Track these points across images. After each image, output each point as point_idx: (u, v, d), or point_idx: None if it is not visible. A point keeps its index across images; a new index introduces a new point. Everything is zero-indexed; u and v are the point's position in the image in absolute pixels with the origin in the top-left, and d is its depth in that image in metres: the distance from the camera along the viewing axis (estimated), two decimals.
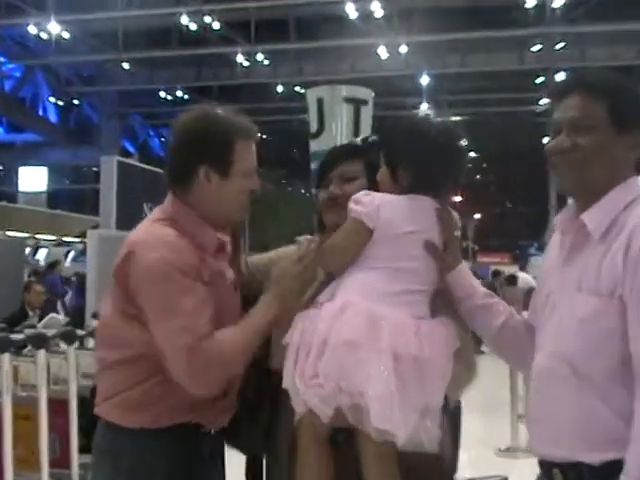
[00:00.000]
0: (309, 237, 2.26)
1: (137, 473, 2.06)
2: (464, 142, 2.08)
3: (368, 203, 1.95)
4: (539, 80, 29.53)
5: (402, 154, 2.00)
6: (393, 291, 1.89)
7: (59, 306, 12.65)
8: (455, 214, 2.05)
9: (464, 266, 2.01)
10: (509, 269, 15.26)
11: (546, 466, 1.77)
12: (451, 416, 2.04)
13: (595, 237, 1.71)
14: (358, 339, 1.78)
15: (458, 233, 2.05)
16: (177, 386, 1.96)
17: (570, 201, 1.86)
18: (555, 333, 1.75)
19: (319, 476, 1.89)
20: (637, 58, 25.16)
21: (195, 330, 1.94)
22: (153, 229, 2.09)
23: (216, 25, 25.65)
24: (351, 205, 1.97)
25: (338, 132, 11.07)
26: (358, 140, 2.30)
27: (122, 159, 8.45)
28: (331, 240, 2.02)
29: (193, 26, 25.39)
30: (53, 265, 16.07)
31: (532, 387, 1.83)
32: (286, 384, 1.88)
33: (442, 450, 1.90)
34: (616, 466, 1.59)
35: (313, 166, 11.63)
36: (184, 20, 24.80)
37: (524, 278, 14.43)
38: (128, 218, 7.05)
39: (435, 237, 1.97)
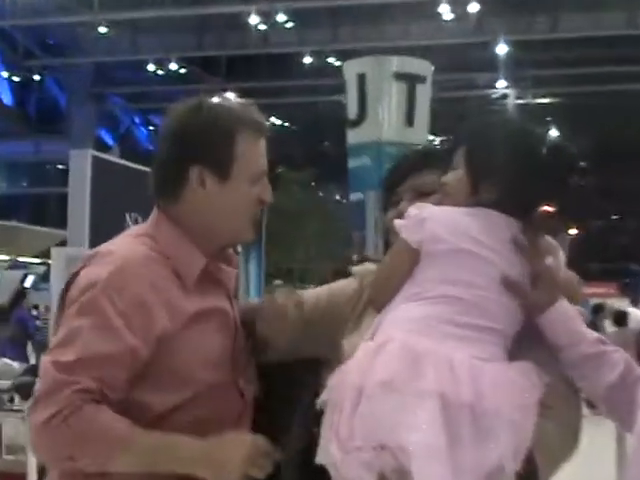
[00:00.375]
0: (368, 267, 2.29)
1: None
2: (575, 159, 2.16)
3: (413, 216, 2.01)
4: None
5: (495, 166, 2.05)
6: (443, 324, 1.92)
7: (30, 349, 12.80)
8: (550, 240, 2.10)
9: (565, 305, 2.03)
10: (617, 303, 15.20)
11: None
12: None
13: None
14: (395, 379, 1.80)
15: (553, 261, 2.07)
16: None
17: None
18: None
19: None
20: None
21: (76, 376, 1.94)
22: (121, 242, 2.19)
23: None
24: (396, 220, 2.03)
25: (386, 119, 11.11)
26: (436, 143, 2.33)
27: (98, 154, 8.51)
28: (376, 271, 2.09)
29: None
30: (18, 298, 16.25)
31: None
32: (320, 457, 1.88)
33: None
34: None
35: (351, 164, 11.69)
36: None
37: (636, 315, 14.36)
38: (105, 233, 7.07)
39: (512, 266, 2.00)
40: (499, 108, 31.42)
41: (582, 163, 34.83)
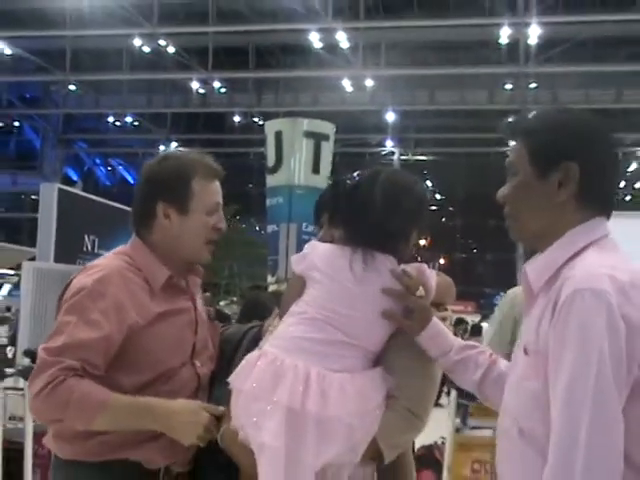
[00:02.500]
0: None
1: None
2: (424, 193, 2.17)
3: (303, 251, 2.11)
4: (510, 120, 30.20)
5: (372, 213, 2.05)
6: (306, 341, 1.95)
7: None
8: (414, 271, 2.06)
9: (436, 324, 2.04)
10: (472, 318, 15.48)
11: None
12: (391, 472, 2.06)
13: (535, 292, 1.74)
14: (259, 389, 1.88)
15: (422, 292, 2.06)
16: None
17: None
18: (507, 391, 1.81)
19: None
20: (614, 101, 25.86)
21: (61, 357, 2.04)
22: (103, 259, 2.28)
23: (171, 49, 25.74)
24: (293, 256, 2.13)
25: (296, 168, 11.16)
26: (346, 181, 2.38)
27: (64, 187, 8.38)
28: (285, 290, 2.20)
29: (146, 49, 25.44)
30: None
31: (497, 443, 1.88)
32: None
33: None
34: None
35: (269, 202, 11.70)
36: (137, 42, 24.84)
37: (487, 331, 14.58)
38: (67, 250, 7.00)
39: (385, 298, 2.01)
40: (387, 163, 31.76)
41: (450, 208, 35.12)
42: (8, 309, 14.96)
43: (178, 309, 2.28)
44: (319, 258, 2.06)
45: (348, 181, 2.27)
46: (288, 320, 2.04)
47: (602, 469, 1.51)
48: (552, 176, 1.72)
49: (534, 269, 1.75)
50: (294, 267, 2.11)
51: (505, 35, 23.09)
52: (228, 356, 2.37)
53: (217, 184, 2.35)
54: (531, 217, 1.76)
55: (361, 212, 2.06)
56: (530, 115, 1.90)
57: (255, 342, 2.30)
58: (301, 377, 1.87)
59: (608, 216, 1.77)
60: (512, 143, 1.83)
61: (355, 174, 2.30)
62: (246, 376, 1.94)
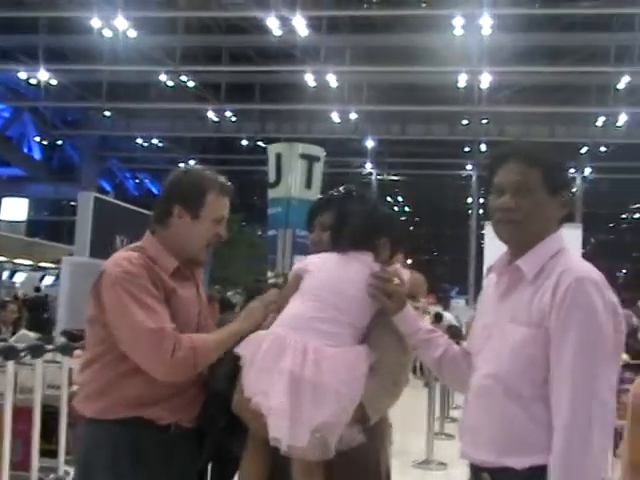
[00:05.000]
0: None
1: (87, 458, 2.14)
2: (388, 212, 2.25)
3: (302, 259, 2.19)
4: (466, 149, 30.38)
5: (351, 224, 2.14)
6: (306, 319, 1.97)
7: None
8: (392, 269, 2.10)
9: (409, 309, 2.06)
10: (434, 308, 15.53)
11: (476, 470, 1.83)
12: (374, 431, 2.06)
13: (528, 278, 1.83)
14: (267, 361, 1.89)
15: (398, 282, 2.07)
16: (129, 381, 2.08)
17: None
18: (490, 357, 1.83)
19: (255, 475, 2.02)
20: (549, 136, 26.16)
21: (156, 318, 2.05)
22: (123, 252, 2.24)
23: (191, 84, 25.75)
24: (295, 265, 2.19)
25: (292, 183, 11.14)
26: (334, 192, 2.39)
27: (99, 195, 8.30)
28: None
29: (170, 83, 25.44)
30: (37, 290, 15.59)
31: (467, 401, 1.91)
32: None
33: (367, 460, 2.04)
34: (539, 470, 1.67)
35: (270, 211, 11.65)
36: (162, 77, 24.81)
37: (447, 316, 14.84)
38: (101, 248, 6.92)
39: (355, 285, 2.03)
40: (366, 181, 31.84)
41: (417, 219, 35.26)
42: (46, 296, 14.84)
43: (184, 294, 2.25)
44: (313, 259, 2.12)
45: (335, 194, 2.35)
46: (290, 305, 2.05)
47: (611, 428, 1.69)
48: (558, 198, 1.89)
49: (527, 262, 1.85)
50: (295, 266, 2.15)
51: (462, 80, 23.33)
52: None
53: (227, 200, 2.32)
54: (536, 225, 1.87)
55: (343, 221, 2.14)
56: (525, 145, 2.04)
57: None
58: (300, 350, 1.88)
59: None
60: (514, 165, 1.89)
61: (341, 188, 2.35)
62: (255, 351, 1.92)
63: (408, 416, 7.66)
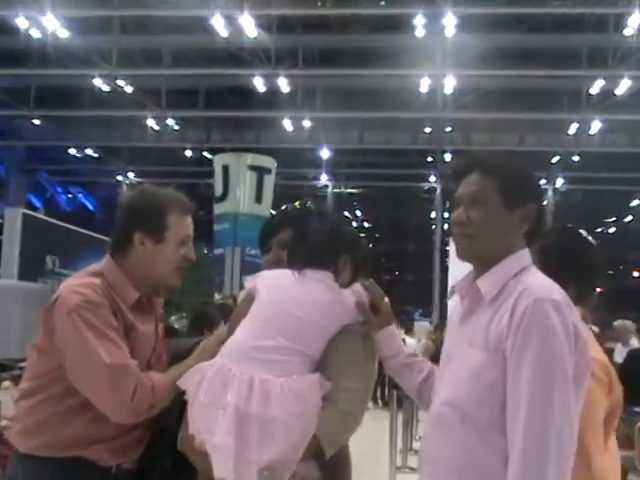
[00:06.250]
0: None
1: None
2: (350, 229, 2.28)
3: (256, 275, 2.18)
4: (429, 159, 30.74)
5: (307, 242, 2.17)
6: (250, 350, 1.96)
7: None
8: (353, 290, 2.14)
9: (393, 328, 2.13)
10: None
11: None
12: (332, 466, 2.06)
13: (486, 300, 1.85)
14: (210, 395, 1.89)
15: (387, 300, 2.15)
16: (72, 418, 2.07)
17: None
18: (448, 383, 1.88)
19: None
20: (518, 145, 26.57)
21: (119, 354, 2.06)
22: (82, 278, 2.24)
23: (128, 89, 25.53)
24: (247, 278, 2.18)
25: (241, 197, 11.18)
26: (289, 208, 2.49)
27: (27, 211, 8.22)
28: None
29: (105, 88, 25.17)
30: None
31: (426, 430, 1.95)
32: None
33: None
34: None
35: (216, 228, 11.63)
36: (97, 82, 24.55)
37: (409, 342, 14.76)
38: (30, 269, 6.86)
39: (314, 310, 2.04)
40: (321, 194, 31.95)
41: (376, 235, 35.46)
42: None
43: (145, 325, 2.27)
44: (266, 276, 2.13)
45: (291, 210, 2.42)
46: (237, 331, 2.05)
47: (569, 456, 1.66)
48: (517, 211, 1.89)
49: (486, 282, 1.87)
50: (246, 284, 2.15)
51: (425, 85, 23.53)
52: None
53: (189, 219, 2.35)
54: (491, 240, 1.89)
55: (303, 238, 2.15)
56: (488, 155, 2.04)
57: None
58: (245, 382, 1.87)
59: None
60: (474, 176, 1.93)
61: (297, 203, 2.36)
62: (198, 384, 1.92)
63: (369, 448, 7.73)
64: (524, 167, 1.98)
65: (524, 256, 1.90)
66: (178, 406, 2.10)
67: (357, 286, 2.16)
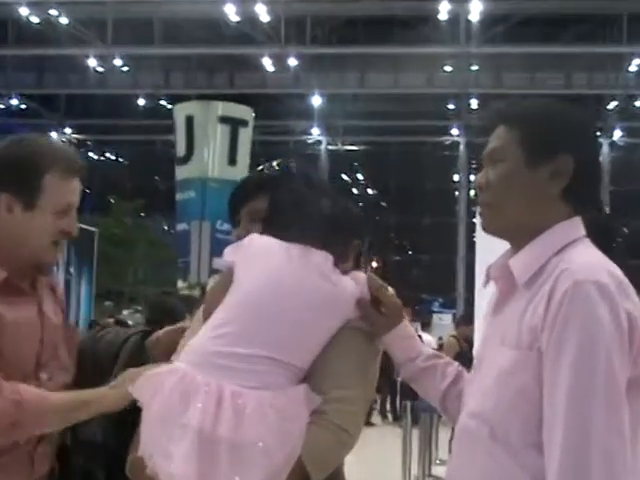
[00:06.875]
0: None
1: None
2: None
3: (240, 242, 2.09)
4: (450, 106, 30.65)
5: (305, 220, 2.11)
6: (218, 357, 1.93)
7: None
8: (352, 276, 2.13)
9: (406, 325, 2.11)
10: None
11: None
12: None
13: (520, 285, 1.82)
14: (167, 411, 1.86)
15: (392, 291, 2.12)
16: None
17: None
18: (476, 390, 1.87)
19: None
20: (564, 87, 26.47)
21: None
22: None
23: (64, 20, 25.36)
24: (227, 247, 2.09)
25: (210, 158, 11.13)
26: (265, 169, 2.39)
27: None
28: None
29: (35, 19, 25.04)
30: None
31: (452, 448, 1.95)
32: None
33: None
34: None
35: (178, 197, 11.61)
36: (23, 11, 24.41)
37: (427, 339, 14.75)
38: None
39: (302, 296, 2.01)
40: (313, 153, 31.93)
41: (383, 204, 35.43)
42: None
43: (19, 318, 2.20)
44: (251, 247, 2.06)
45: (269, 171, 2.33)
46: (203, 330, 2.01)
47: (618, 471, 1.62)
48: (544, 167, 1.83)
49: (518, 262, 1.84)
50: (226, 257, 2.07)
51: (444, 10, 23.44)
52: (106, 367, 2.36)
53: (75, 183, 2.28)
54: (515, 208, 1.86)
55: (279, 208, 2.10)
56: (518, 103, 1.99)
57: (139, 350, 2.33)
58: (213, 397, 1.84)
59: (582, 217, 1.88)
60: (499, 130, 1.90)
61: (275, 163, 2.35)
62: (152, 395, 1.90)
63: (377, 472, 7.76)
64: (562, 111, 1.93)
65: (571, 227, 1.85)
66: (118, 415, 2.09)
67: (358, 275, 2.13)
